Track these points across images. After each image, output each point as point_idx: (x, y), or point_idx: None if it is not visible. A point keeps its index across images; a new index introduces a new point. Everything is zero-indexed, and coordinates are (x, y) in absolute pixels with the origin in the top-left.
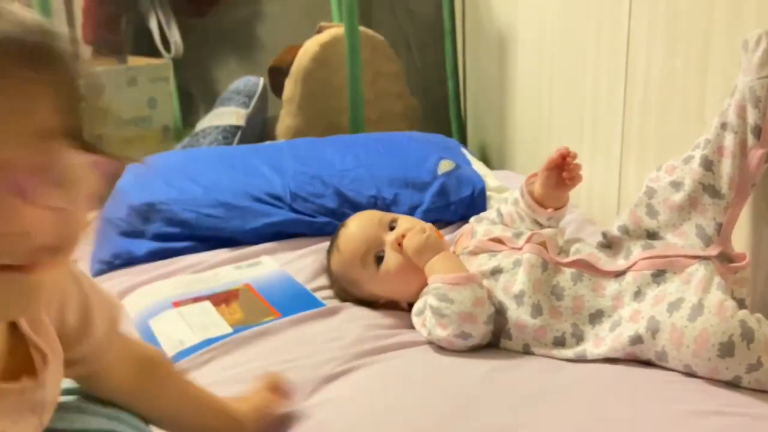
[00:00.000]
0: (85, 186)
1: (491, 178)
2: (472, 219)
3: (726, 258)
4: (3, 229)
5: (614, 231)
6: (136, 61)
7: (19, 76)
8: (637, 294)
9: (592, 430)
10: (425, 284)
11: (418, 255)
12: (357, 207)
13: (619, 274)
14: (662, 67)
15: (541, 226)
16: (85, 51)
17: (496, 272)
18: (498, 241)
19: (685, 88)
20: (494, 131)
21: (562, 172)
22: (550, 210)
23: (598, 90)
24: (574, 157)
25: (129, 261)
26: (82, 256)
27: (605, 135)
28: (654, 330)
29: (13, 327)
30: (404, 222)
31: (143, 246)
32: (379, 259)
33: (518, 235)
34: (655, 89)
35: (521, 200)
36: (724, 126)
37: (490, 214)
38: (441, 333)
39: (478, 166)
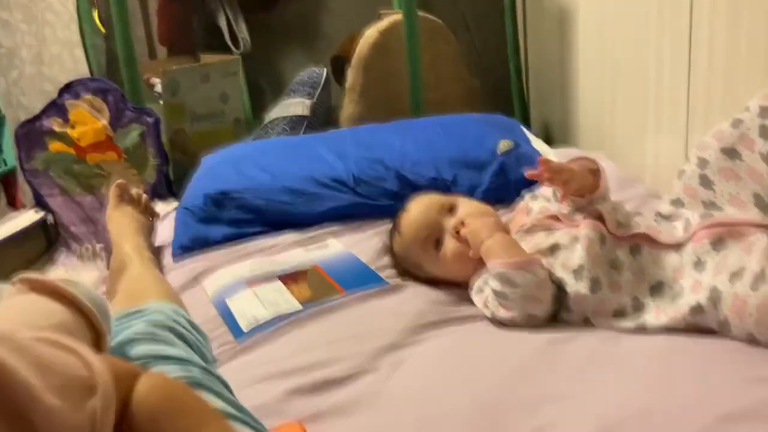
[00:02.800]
0: None
1: (551, 156)
2: (527, 195)
3: None
4: None
5: (667, 207)
6: (207, 58)
7: None
8: (697, 264)
9: (649, 397)
10: (484, 267)
11: (475, 241)
12: (418, 189)
13: (679, 245)
14: (726, 37)
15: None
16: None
17: (554, 249)
18: (555, 218)
19: (749, 57)
20: (557, 109)
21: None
22: (586, 196)
23: (661, 62)
24: (545, 167)
25: (207, 245)
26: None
27: (670, 107)
28: (715, 300)
29: None
30: (464, 206)
31: (219, 231)
32: (439, 243)
33: (574, 211)
34: (720, 60)
35: None
36: None
37: (546, 191)
38: (505, 314)
39: (537, 144)
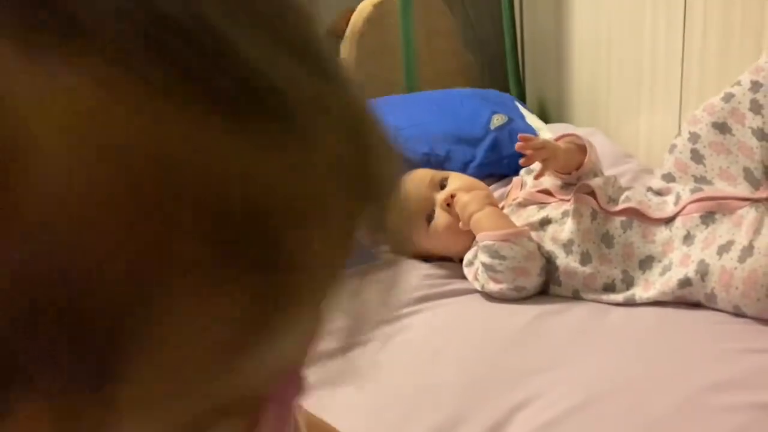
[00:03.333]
0: None
1: (545, 131)
2: (523, 171)
3: None
4: None
5: (658, 182)
6: None
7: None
8: (687, 238)
9: (635, 368)
10: (475, 241)
11: (465, 214)
12: (410, 165)
13: (669, 220)
14: (720, 13)
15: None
16: None
17: (544, 223)
18: (547, 192)
19: (743, 33)
20: (553, 85)
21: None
22: (573, 173)
23: (656, 39)
24: (526, 144)
25: None
26: None
27: (664, 84)
28: (703, 273)
29: None
30: (454, 181)
31: None
32: (430, 218)
33: (567, 185)
34: (714, 36)
35: None
36: None
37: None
38: (494, 287)
39: (531, 119)
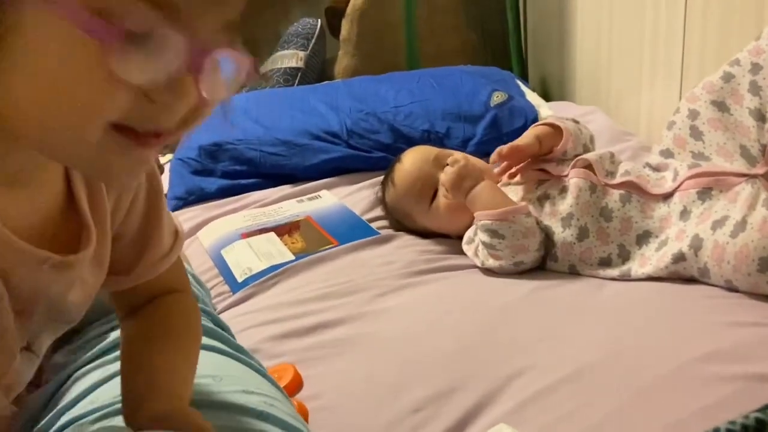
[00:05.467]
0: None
1: (544, 109)
2: None
3: None
4: (168, 98)
5: (656, 158)
6: None
7: None
8: (683, 213)
9: (626, 340)
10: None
11: (455, 189)
12: (411, 142)
13: (667, 196)
14: None
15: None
16: None
17: (543, 198)
18: (543, 170)
19: (743, 12)
20: (555, 63)
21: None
22: (554, 150)
23: (658, 16)
24: (501, 156)
25: (202, 197)
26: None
27: (665, 62)
28: (697, 247)
29: (70, 201)
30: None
31: (214, 183)
32: (433, 196)
33: (562, 161)
34: (714, 15)
35: None
36: None
37: None
38: (494, 263)
39: (531, 96)
